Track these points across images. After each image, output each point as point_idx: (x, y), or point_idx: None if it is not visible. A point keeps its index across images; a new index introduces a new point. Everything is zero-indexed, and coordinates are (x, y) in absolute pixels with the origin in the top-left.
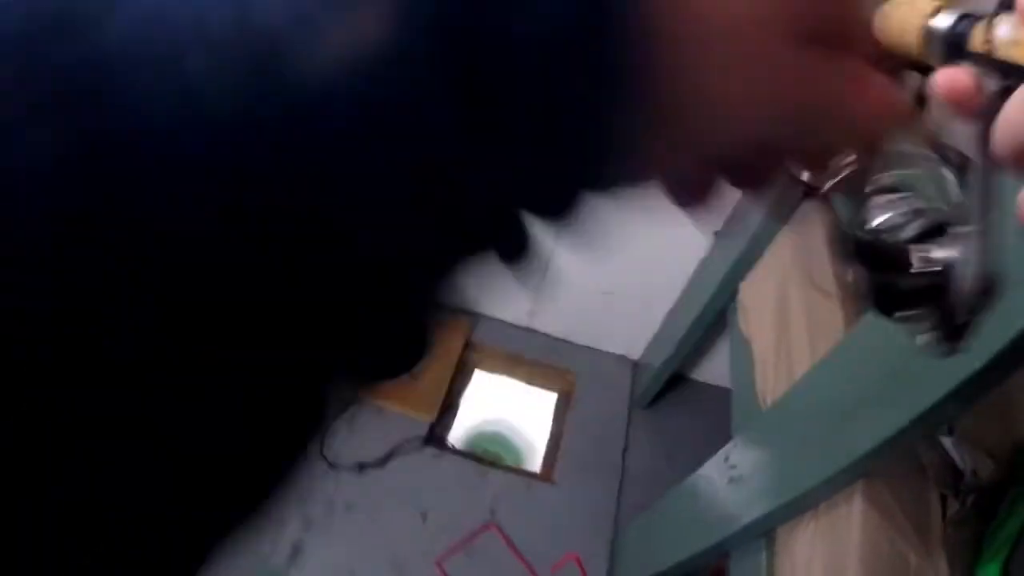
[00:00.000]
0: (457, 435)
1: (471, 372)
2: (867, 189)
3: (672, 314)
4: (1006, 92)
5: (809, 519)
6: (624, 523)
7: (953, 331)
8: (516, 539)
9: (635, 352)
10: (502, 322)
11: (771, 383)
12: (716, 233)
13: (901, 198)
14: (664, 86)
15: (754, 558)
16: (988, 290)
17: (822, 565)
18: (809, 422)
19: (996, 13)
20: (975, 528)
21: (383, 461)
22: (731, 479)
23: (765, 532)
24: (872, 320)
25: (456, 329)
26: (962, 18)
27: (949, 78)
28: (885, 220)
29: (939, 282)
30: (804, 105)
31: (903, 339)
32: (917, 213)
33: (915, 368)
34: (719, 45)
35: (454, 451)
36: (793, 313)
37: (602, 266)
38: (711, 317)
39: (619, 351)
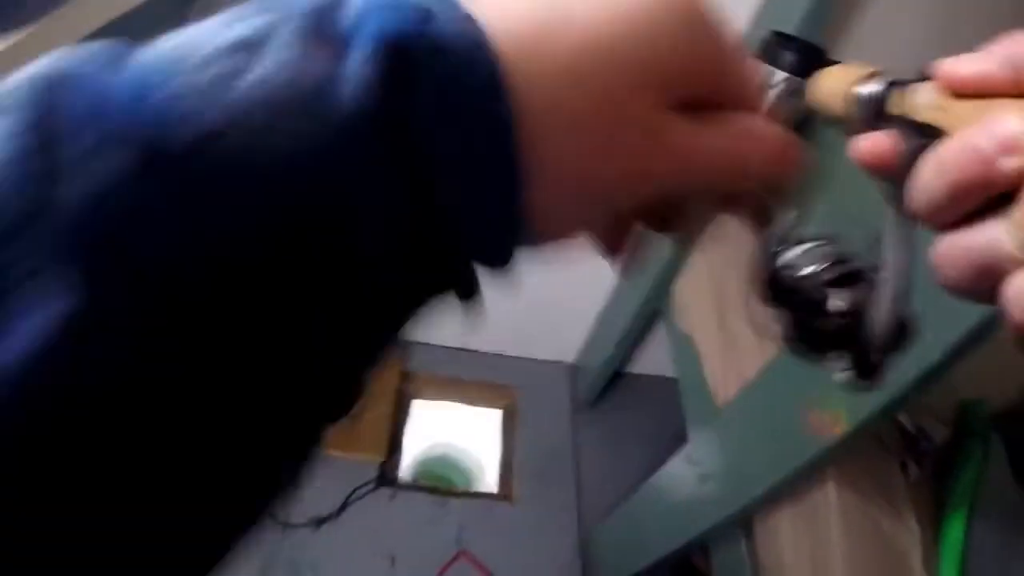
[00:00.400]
0: (409, 470)
1: (411, 403)
2: (790, 236)
3: (606, 314)
4: (920, 151)
5: (786, 504)
6: (590, 527)
7: (868, 370)
8: (489, 564)
9: (571, 355)
10: (435, 346)
11: (721, 377)
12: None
13: (822, 245)
14: (543, 171)
15: (734, 548)
16: (900, 334)
17: (808, 546)
18: (772, 417)
19: (916, 80)
20: (936, 486)
21: (339, 511)
22: (699, 476)
23: (742, 523)
24: None
25: (389, 361)
26: (887, 87)
27: (869, 142)
28: (801, 263)
29: (853, 325)
30: (687, 170)
31: None
32: (837, 261)
33: None
34: (581, 132)
35: (409, 487)
36: (732, 305)
37: (529, 277)
38: (647, 315)
39: (555, 357)
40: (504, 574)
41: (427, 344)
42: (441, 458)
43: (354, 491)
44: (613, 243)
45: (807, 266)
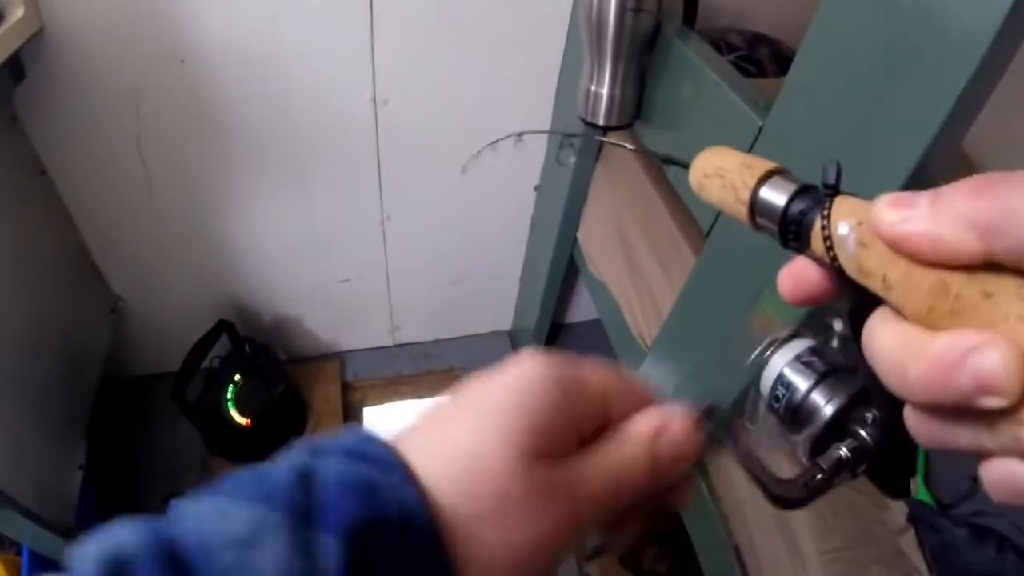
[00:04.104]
0: None
1: (359, 412)
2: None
3: (525, 276)
4: (864, 310)
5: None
6: None
7: (894, 484)
8: None
9: (505, 323)
10: (369, 351)
11: (640, 319)
12: (536, 188)
13: (803, 355)
14: None
15: (695, 488)
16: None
17: None
18: (693, 354)
19: (829, 203)
20: None
21: None
22: None
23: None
24: (718, 236)
25: (328, 376)
26: (795, 197)
27: (792, 277)
28: (793, 381)
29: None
30: (603, 497)
31: (751, 250)
32: (835, 385)
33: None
34: (497, 532)
35: None
36: (637, 248)
37: (440, 258)
38: (562, 267)
39: (490, 329)
40: None
41: (360, 351)
42: None
43: None
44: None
45: (799, 383)
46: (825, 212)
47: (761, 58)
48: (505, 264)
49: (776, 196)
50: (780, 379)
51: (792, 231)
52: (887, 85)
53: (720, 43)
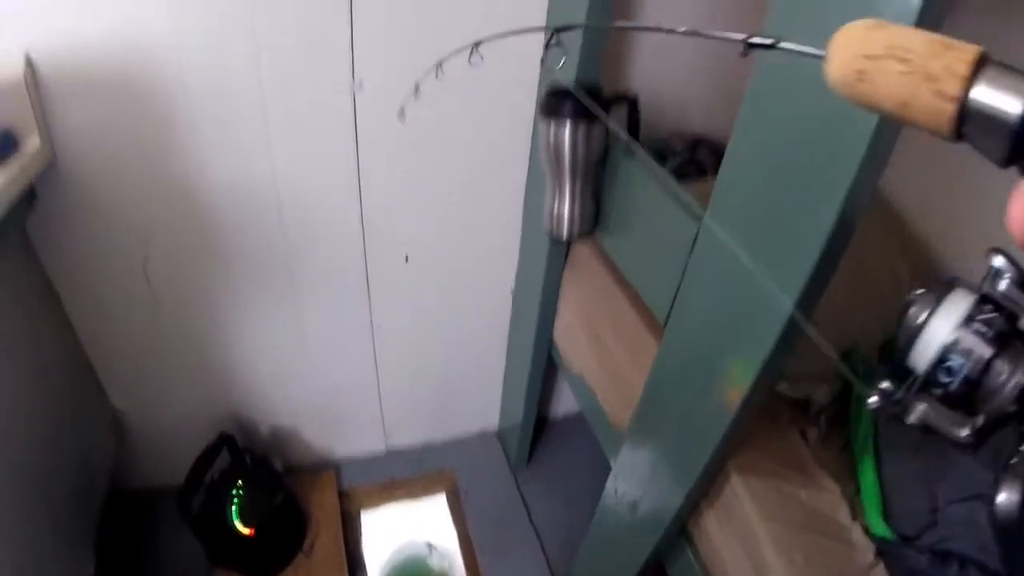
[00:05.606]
0: None
1: (358, 518)
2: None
3: (508, 377)
4: None
5: (706, 508)
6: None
7: None
8: None
9: (493, 423)
10: (362, 458)
11: (615, 408)
12: (512, 293)
13: (987, 320)
14: None
15: (683, 555)
16: None
17: (739, 542)
18: (663, 433)
19: None
20: (839, 439)
21: None
22: (628, 505)
23: (679, 531)
24: (674, 324)
25: (324, 484)
26: None
27: None
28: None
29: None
30: None
31: (703, 333)
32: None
33: (734, 338)
34: None
35: None
36: (608, 342)
37: (427, 364)
38: (541, 366)
39: (479, 429)
40: None
41: (354, 459)
42: (410, 559)
43: None
44: None
45: (981, 351)
46: None
47: (702, 159)
48: (490, 366)
49: (1004, 98)
50: (955, 347)
51: None
52: (802, 172)
53: (664, 151)
